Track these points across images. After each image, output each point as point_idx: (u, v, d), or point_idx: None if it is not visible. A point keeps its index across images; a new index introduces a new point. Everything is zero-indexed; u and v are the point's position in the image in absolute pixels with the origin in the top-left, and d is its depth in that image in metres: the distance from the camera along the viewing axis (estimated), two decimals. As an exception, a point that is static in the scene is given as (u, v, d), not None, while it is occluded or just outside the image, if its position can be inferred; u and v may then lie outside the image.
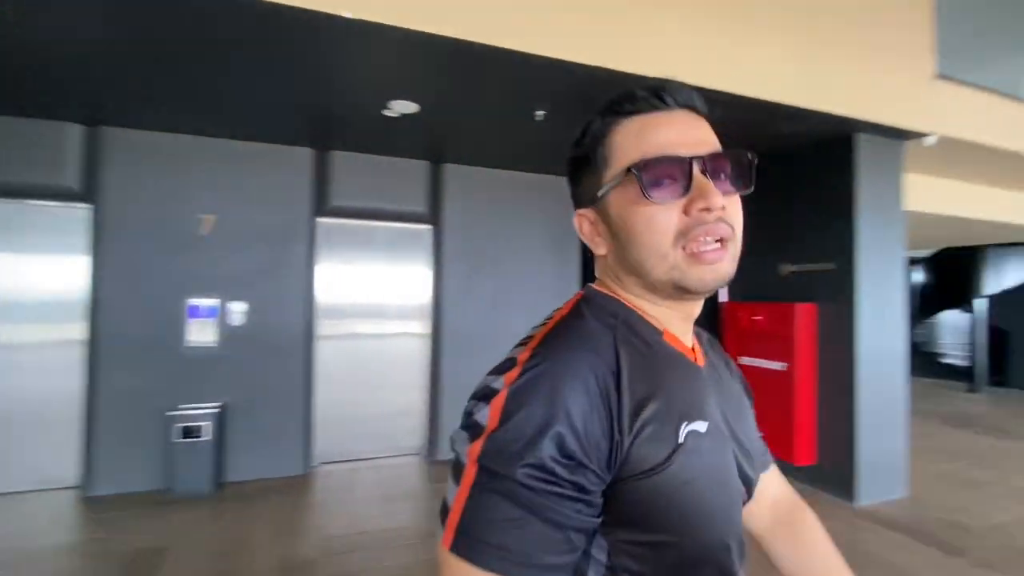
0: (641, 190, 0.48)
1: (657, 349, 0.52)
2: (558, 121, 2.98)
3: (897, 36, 3.05)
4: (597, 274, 0.59)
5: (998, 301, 7.24)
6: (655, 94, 0.51)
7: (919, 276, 8.02)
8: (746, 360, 3.66)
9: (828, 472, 3.23)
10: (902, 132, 3.08)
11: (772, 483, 0.71)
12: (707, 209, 0.47)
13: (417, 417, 4.05)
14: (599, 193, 0.53)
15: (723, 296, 4.05)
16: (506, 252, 4.14)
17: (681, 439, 0.46)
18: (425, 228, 4.06)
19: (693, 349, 0.57)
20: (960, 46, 3.31)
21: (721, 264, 0.49)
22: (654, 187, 0.48)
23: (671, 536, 0.46)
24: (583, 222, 0.56)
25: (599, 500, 0.44)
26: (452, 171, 3.96)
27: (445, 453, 3.86)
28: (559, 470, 0.41)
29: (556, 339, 0.49)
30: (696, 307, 0.55)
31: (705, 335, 0.65)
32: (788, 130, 3.07)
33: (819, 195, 3.33)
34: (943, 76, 3.16)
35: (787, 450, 3.31)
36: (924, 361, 8.48)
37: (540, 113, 2.81)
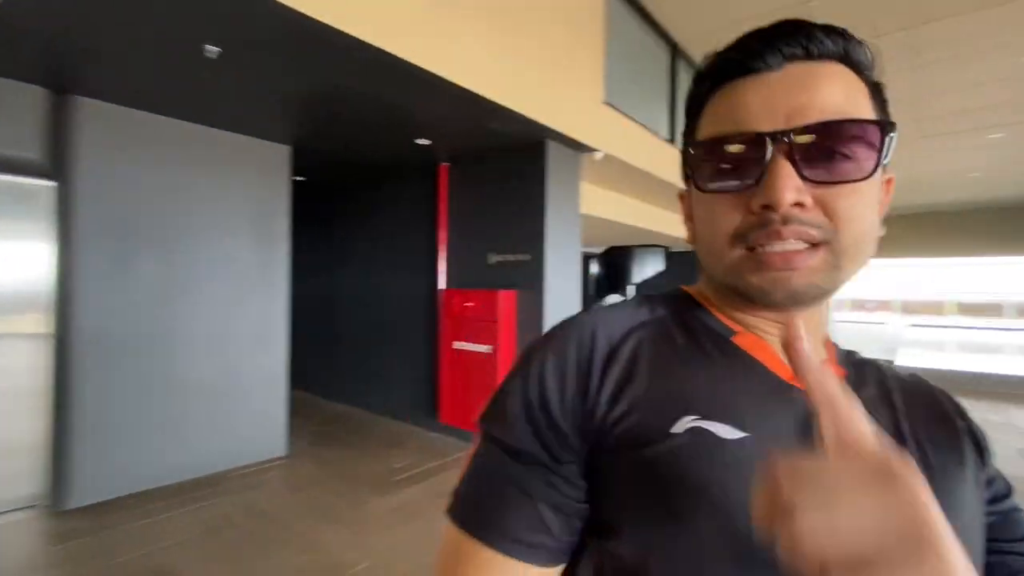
0: (690, 178, 0.43)
1: (707, 346, 0.43)
2: (240, 65, 2.42)
3: (578, 61, 3.55)
4: None
5: (642, 287, 9.68)
6: (750, 52, 0.39)
7: (595, 268, 10.09)
8: (459, 345, 3.81)
9: (523, 441, 3.62)
10: (579, 145, 3.62)
11: None
12: (767, 207, 0.37)
13: (32, 454, 2.85)
14: (685, 168, 0.45)
15: (441, 283, 4.13)
16: (184, 229, 3.26)
17: (677, 428, 0.38)
18: (42, 184, 2.85)
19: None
20: (620, 82, 4.09)
21: (794, 274, 0.38)
22: (711, 172, 0.40)
23: (653, 552, 0.36)
24: (682, 202, 0.49)
25: (577, 478, 0.39)
26: (89, 108, 2.86)
27: (82, 498, 2.83)
28: (526, 432, 0.39)
29: (581, 311, 0.47)
30: (793, 317, 0.37)
31: (900, 375, 0.48)
32: (493, 127, 3.24)
33: (519, 193, 3.66)
34: (608, 104, 3.85)
35: (491, 427, 3.58)
36: (598, 334, 10.79)
37: (212, 50, 2.21)
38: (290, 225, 3.86)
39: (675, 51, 4.99)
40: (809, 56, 0.38)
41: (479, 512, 0.39)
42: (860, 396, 0.41)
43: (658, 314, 0.46)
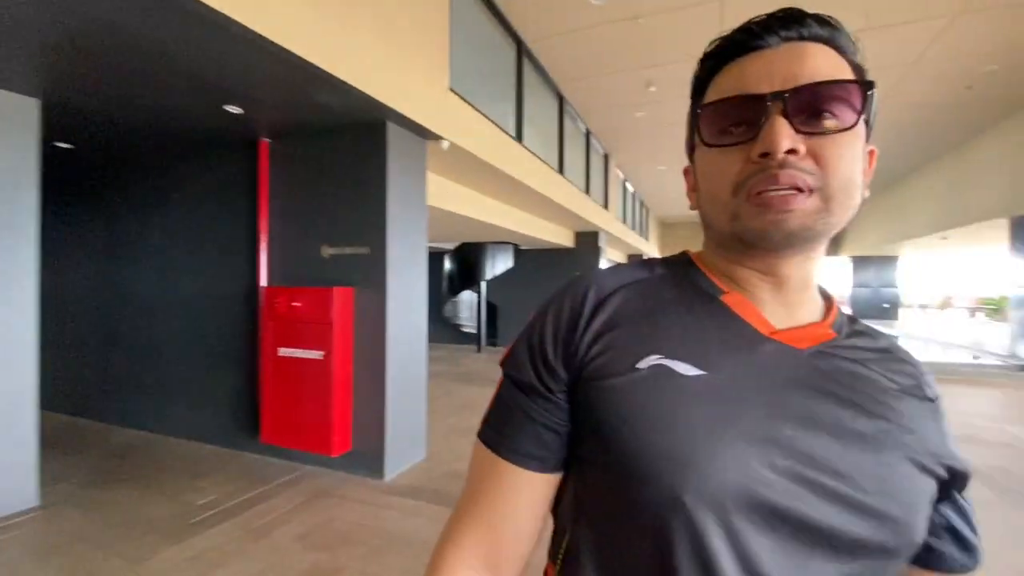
0: (698, 134, 0.48)
1: (694, 299, 0.50)
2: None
3: (421, 40, 3.30)
4: None
5: (493, 283, 9.81)
6: (752, 33, 0.45)
7: (448, 264, 9.94)
8: (285, 351, 3.29)
9: (362, 455, 3.27)
10: (424, 131, 3.38)
11: None
12: (766, 154, 0.42)
13: None
14: (693, 143, 0.51)
15: (263, 280, 3.54)
16: None
17: (642, 365, 0.45)
18: None
19: (784, 331, 0.48)
20: (465, 72, 3.95)
21: (790, 216, 0.42)
22: (716, 132, 0.46)
23: (616, 461, 0.43)
24: (687, 176, 0.54)
25: (564, 403, 0.48)
26: None
27: None
28: (528, 369, 0.49)
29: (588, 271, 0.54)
30: (780, 277, 0.48)
31: (885, 345, 0.52)
32: (322, 100, 2.82)
33: (356, 178, 3.28)
34: (454, 91, 3.68)
35: (325, 443, 3.15)
36: (450, 331, 10.67)
37: None
38: (39, 204, 2.93)
39: (520, 48, 5.03)
40: (802, 38, 0.44)
41: (498, 433, 0.50)
42: (846, 357, 0.48)
43: (656, 273, 0.53)
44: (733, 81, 0.45)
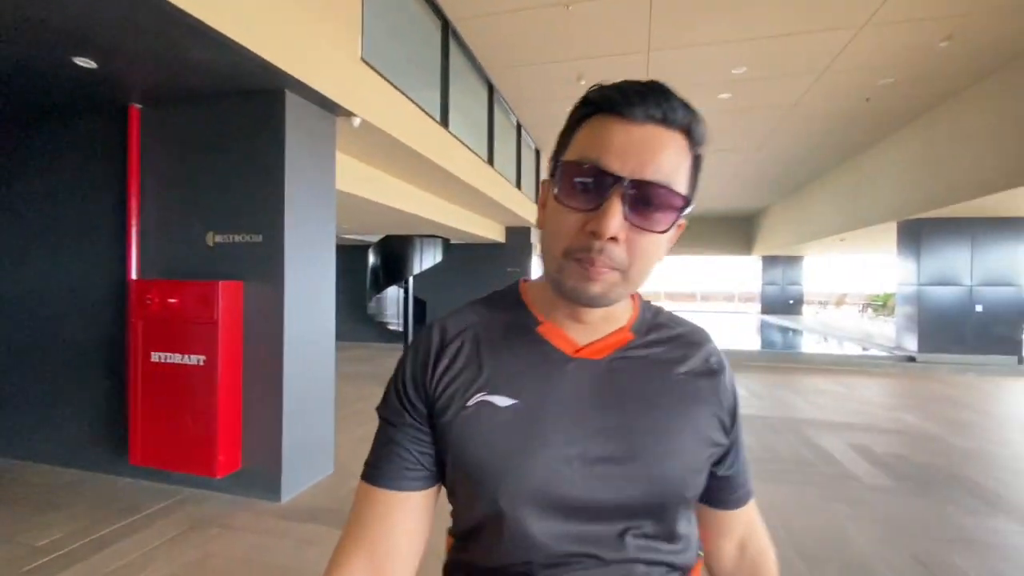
0: (554, 187, 0.52)
1: (516, 334, 0.59)
2: None
3: (329, 4, 2.91)
4: None
5: (421, 279, 9.39)
6: (626, 99, 0.49)
7: (372, 258, 9.39)
8: (159, 356, 2.79)
9: (254, 474, 2.84)
10: (331, 104, 2.99)
11: (742, 523, 0.68)
12: (594, 234, 0.49)
13: None
14: (553, 170, 0.54)
15: (133, 272, 3.00)
16: None
17: (471, 402, 0.55)
18: None
19: (586, 347, 0.58)
20: (382, 43, 3.59)
21: (592, 285, 0.51)
22: (567, 190, 0.51)
23: (461, 475, 0.55)
24: (544, 189, 0.57)
25: (426, 431, 0.57)
26: None
27: None
28: (396, 406, 0.58)
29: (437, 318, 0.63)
30: (583, 313, 0.58)
31: (680, 332, 0.64)
32: (200, 58, 2.37)
33: (249, 155, 2.83)
34: (367, 62, 3.31)
35: (208, 462, 2.70)
36: (376, 329, 10.13)
37: None
38: None
39: (447, 27, 4.72)
40: (664, 121, 0.49)
41: (375, 468, 0.57)
42: (639, 356, 0.59)
43: (488, 314, 0.62)
44: (597, 143, 0.50)
